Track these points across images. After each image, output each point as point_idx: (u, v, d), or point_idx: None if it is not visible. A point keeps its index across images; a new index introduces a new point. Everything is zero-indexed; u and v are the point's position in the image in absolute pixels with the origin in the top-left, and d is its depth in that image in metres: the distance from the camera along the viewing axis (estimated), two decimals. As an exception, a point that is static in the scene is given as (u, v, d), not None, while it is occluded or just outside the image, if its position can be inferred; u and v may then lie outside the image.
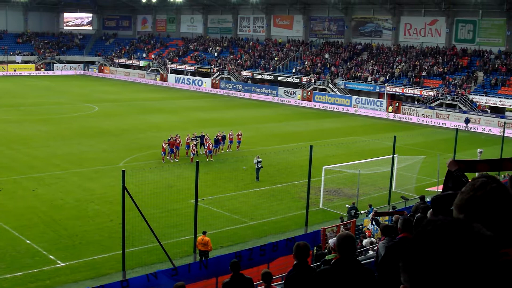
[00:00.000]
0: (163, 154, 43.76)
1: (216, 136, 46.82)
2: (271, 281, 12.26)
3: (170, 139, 44.45)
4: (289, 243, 20.31)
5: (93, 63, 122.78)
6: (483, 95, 70.57)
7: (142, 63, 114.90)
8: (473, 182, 2.48)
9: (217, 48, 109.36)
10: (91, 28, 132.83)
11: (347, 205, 31.97)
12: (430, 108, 72.50)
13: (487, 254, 1.94)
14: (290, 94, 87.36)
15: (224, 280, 13.98)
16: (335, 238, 14.82)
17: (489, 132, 63.94)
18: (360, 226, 26.06)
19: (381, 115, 75.06)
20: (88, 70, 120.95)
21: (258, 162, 39.24)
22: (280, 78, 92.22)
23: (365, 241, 22.73)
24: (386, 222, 25.14)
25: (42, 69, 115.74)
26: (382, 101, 77.71)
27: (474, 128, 66.00)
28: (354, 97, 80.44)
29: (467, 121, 67.15)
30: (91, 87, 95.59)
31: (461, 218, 2.39)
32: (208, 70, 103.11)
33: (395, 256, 7.23)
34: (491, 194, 2.41)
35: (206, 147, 45.26)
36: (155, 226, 23.60)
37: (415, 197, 33.34)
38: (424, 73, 79.05)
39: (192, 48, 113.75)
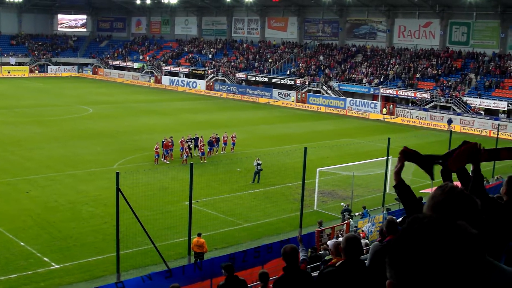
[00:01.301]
0: (156, 157, 43.73)
1: (210, 138, 46.83)
2: (269, 281, 12.30)
3: (164, 141, 44.47)
4: (284, 245, 20.30)
5: (87, 65, 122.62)
6: (477, 97, 70.75)
7: (136, 65, 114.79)
8: (443, 187, 2.75)
9: (212, 50, 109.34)
10: (85, 30, 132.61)
11: (342, 204, 32.05)
12: (424, 110, 72.65)
13: (473, 250, 1.99)
14: (285, 96, 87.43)
15: (219, 283, 13.99)
16: (334, 240, 14.86)
17: (483, 134, 64.05)
18: (355, 228, 26.08)
19: (375, 117, 75.15)
20: (82, 72, 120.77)
21: (258, 164, 39.30)
22: (274, 80, 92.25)
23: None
24: (380, 224, 25.23)
25: (36, 71, 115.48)
26: (376, 103, 77.85)
27: (465, 129, 66.20)
28: (348, 99, 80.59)
29: (449, 121, 67.80)
30: (85, 89, 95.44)
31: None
32: (203, 72, 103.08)
33: (383, 260, 7.24)
34: (461, 196, 2.72)
35: (199, 149, 45.33)
36: (149, 228, 23.57)
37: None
38: (418, 75, 79.22)
39: (186, 50, 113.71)
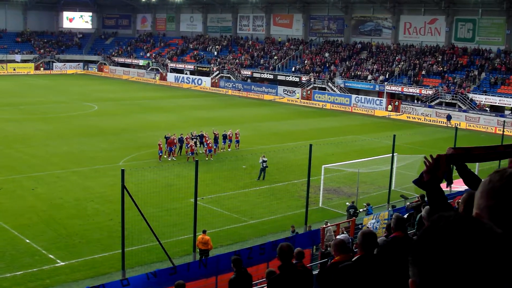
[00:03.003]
0: (160, 153, 43.74)
1: (215, 135, 46.79)
2: None
3: (169, 138, 44.45)
4: (289, 242, 20.30)
5: (92, 62, 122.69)
6: (483, 94, 70.61)
7: (141, 62, 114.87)
8: (501, 172, 2.52)
9: (217, 47, 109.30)
10: (90, 27, 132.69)
11: (347, 203, 31.99)
12: (430, 107, 72.52)
13: (498, 251, 1.96)
14: (290, 93, 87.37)
15: (230, 277, 13.99)
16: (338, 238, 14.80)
17: (488, 131, 63.95)
18: (360, 226, 26.05)
19: (380, 114, 75.03)
20: (88, 69, 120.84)
21: (264, 161, 39.31)
22: (279, 77, 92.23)
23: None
24: (385, 221, 25.20)
25: (42, 68, 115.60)
26: (382, 100, 77.72)
27: (470, 125, 66.09)
28: (353, 96, 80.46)
29: (449, 117, 67.98)
30: (91, 86, 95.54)
31: (490, 205, 2.39)
32: (208, 69, 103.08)
33: (389, 255, 7.26)
34: None
35: (206, 146, 45.25)
36: (154, 225, 23.60)
37: (415, 196, 33.36)
38: (423, 72, 79.06)
39: (191, 47, 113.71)
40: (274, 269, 12.66)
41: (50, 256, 25.35)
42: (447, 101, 72.39)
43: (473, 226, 2.01)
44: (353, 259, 7.11)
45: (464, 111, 69.32)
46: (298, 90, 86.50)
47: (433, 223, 2.06)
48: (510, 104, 67.70)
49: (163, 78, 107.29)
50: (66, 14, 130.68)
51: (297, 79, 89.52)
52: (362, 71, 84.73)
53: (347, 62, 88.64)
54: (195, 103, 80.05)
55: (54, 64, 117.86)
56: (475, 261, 1.93)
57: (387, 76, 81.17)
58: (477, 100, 70.19)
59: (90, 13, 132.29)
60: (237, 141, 48.81)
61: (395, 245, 7.78)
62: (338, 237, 20.18)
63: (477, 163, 24.64)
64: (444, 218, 2.05)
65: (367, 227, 25.68)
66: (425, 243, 2.02)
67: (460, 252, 1.94)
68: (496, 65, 74.52)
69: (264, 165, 39.33)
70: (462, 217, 2.05)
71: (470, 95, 71.14)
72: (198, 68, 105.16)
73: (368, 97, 79.31)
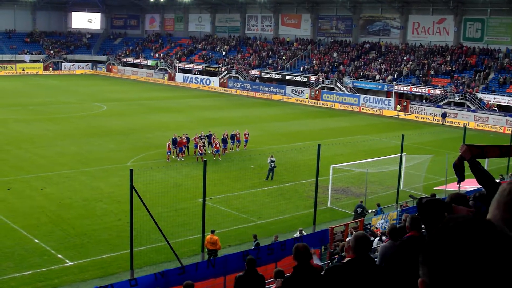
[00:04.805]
0: (168, 153, 43.74)
1: (223, 136, 46.75)
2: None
3: (177, 139, 44.39)
4: (297, 242, 20.28)
5: (101, 62, 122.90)
6: (491, 94, 70.39)
7: (150, 62, 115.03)
8: None
9: (225, 47, 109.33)
10: (99, 27, 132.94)
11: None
12: (438, 106, 72.33)
13: (509, 253, 1.94)
14: (298, 93, 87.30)
15: (237, 274, 13.95)
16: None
17: (497, 130, 63.73)
18: (368, 226, 26.01)
19: (389, 114, 74.88)
20: (96, 69, 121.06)
21: (272, 161, 39.27)
22: (288, 77, 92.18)
23: (376, 240, 22.66)
24: (394, 221, 25.14)
25: (51, 69, 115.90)
26: (390, 100, 77.59)
27: (479, 125, 65.89)
28: (362, 96, 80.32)
29: (444, 115, 68.08)
30: (99, 86, 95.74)
31: (506, 218, 2.32)
32: (216, 69, 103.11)
33: (404, 255, 7.21)
34: None
35: (213, 146, 45.20)
36: (163, 225, 23.62)
37: (423, 196, 33.28)
38: (432, 72, 78.88)
39: (200, 47, 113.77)
40: (282, 269, 12.62)
41: (59, 256, 25.42)
42: (455, 101, 72.19)
43: (484, 227, 2.00)
44: (344, 261, 7.04)
45: (473, 111, 69.11)
46: (306, 90, 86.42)
47: (443, 224, 2.05)
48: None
49: (172, 78, 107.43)
50: (74, 15, 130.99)
51: (306, 79, 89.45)
52: (371, 71, 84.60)
53: (355, 62, 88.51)
54: (204, 103, 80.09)
55: (62, 64, 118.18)
56: (485, 262, 1.92)
57: (395, 76, 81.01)
58: (485, 100, 69.99)
59: (99, 14, 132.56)
60: (246, 141, 48.79)
61: (411, 245, 7.72)
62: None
63: (486, 160, 24.55)
64: (454, 219, 2.05)
65: (376, 227, 25.66)
66: (436, 242, 2.02)
67: (470, 252, 1.94)
68: (505, 64, 74.26)
69: (273, 165, 39.31)
70: (473, 219, 2.04)
71: (479, 95, 70.92)
72: (207, 68, 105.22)
73: (376, 97, 79.18)
